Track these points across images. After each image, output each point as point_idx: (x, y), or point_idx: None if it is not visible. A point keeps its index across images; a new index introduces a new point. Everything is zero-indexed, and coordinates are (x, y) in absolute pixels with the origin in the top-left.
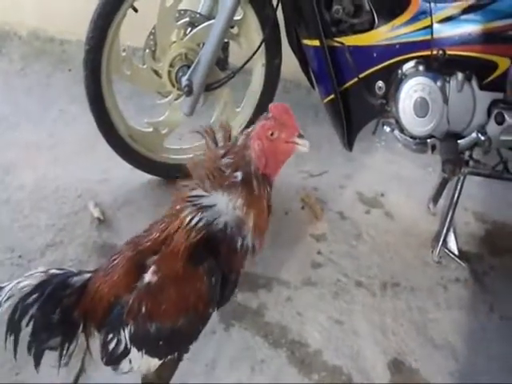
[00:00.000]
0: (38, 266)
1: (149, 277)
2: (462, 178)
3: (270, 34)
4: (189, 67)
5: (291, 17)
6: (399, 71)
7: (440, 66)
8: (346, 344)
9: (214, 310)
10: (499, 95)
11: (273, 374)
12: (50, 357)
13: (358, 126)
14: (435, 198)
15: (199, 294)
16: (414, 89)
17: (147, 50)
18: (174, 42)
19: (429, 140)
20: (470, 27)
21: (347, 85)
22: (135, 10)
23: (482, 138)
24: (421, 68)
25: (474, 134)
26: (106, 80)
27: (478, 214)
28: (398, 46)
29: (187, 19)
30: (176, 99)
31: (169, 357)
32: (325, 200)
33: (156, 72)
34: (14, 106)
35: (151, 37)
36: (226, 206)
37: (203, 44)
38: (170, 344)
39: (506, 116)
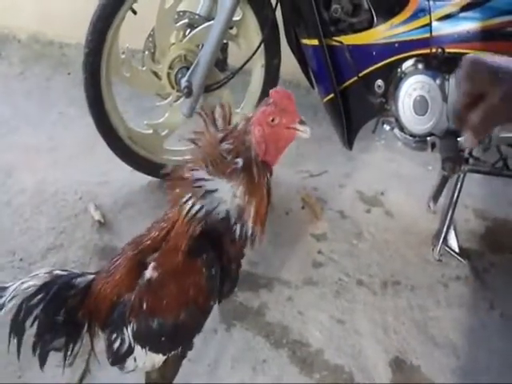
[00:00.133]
0: (40, 269)
1: (149, 273)
2: (461, 175)
3: (269, 34)
4: (188, 69)
5: (290, 17)
6: (398, 70)
7: (439, 63)
8: (348, 343)
9: (215, 303)
10: None
11: (275, 374)
12: (54, 357)
13: (358, 124)
14: (435, 196)
15: (199, 286)
16: (413, 87)
17: (146, 52)
18: (173, 43)
19: (428, 138)
20: (468, 25)
21: (347, 84)
22: (134, 12)
23: None
24: (420, 66)
25: None
26: (106, 82)
27: (479, 211)
28: (397, 45)
29: (186, 20)
30: (175, 101)
31: (172, 352)
32: (325, 199)
33: (155, 74)
34: (14, 109)
35: (150, 39)
36: (227, 193)
37: (202, 45)
38: (173, 339)
39: None
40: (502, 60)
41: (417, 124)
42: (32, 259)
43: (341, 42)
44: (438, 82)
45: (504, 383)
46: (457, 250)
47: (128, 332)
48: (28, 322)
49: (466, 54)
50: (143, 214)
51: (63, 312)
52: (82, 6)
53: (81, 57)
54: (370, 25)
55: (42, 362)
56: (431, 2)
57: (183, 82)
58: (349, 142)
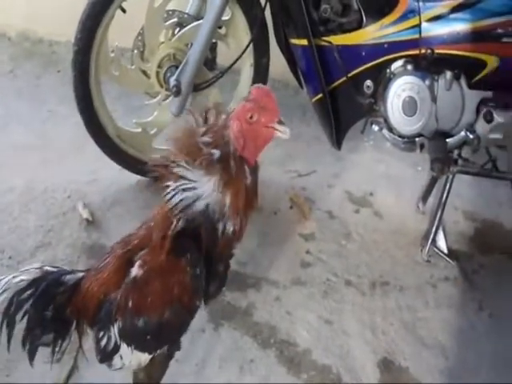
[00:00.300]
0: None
1: (135, 271)
2: (450, 176)
3: (257, 33)
4: (177, 68)
5: (279, 16)
6: (388, 70)
7: (428, 64)
8: (336, 343)
9: (200, 303)
10: (488, 94)
11: (262, 373)
12: (42, 354)
13: (347, 125)
14: (424, 197)
15: (183, 285)
16: (402, 88)
17: (135, 51)
18: (163, 42)
19: (417, 139)
20: (458, 26)
21: (335, 84)
22: (123, 11)
23: (471, 136)
24: (409, 67)
25: (462, 133)
26: (95, 81)
27: (468, 212)
28: (386, 45)
29: (175, 19)
30: (164, 100)
31: (158, 351)
32: (313, 199)
33: (144, 72)
34: (4, 108)
35: (139, 37)
36: (205, 185)
37: (191, 44)
38: (158, 338)
39: (494, 114)
40: None
41: (406, 125)
42: (21, 257)
43: (330, 42)
44: (427, 82)
45: None
46: (445, 251)
47: (114, 330)
48: (18, 316)
49: (456, 55)
50: (131, 213)
51: (52, 308)
52: (71, 4)
53: (71, 55)
54: (359, 25)
55: (31, 356)
56: (421, 3)
57: (172, 81)
58: (337, 142)
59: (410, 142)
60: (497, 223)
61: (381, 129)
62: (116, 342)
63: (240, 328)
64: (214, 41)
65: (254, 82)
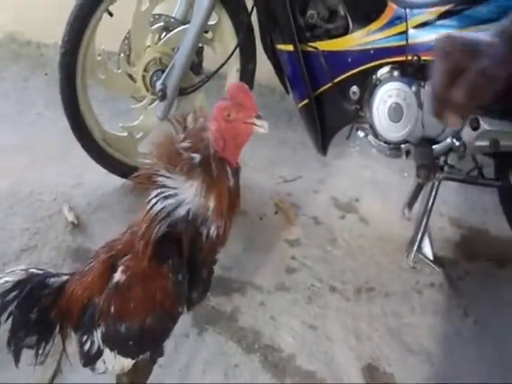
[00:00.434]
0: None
1: (118, 276)
2: (436, 183)
3: (244, 38)
4: (163, 72)
5: (266, 22)
6: (374, 76)
7: (415, 71)
8: (320, 349)
9: (183, 309)
10: None
11: (246, 378)
12: (27, 356)
13: (332, 130)
14: (410, 203)
15: (165, 291)
16: (388, 94)
17: (122, 55)
18: (149, 46)
19: (403, 145)
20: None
21: (321, 90)
22: (110, 14)
23: (457, 143)
24: (395, 73)
25: (448, 140)
26: (81, 84)
27: (454, 219)
28: (372, 51)
29: (162, 24)
30: (150, 104)
31: (141, 356)
32: (299, 205)
33: (130, 76)
34: None
35: (126, 41)
36: (187, 191)
37: (178, 48)
38: (140, 343)
39: (481, 122)
40: (476, 35)
41: (391, 131)
42: (6, 259)
43: (316, 48)
44: (413, 89)
45: None
46: (431, 257)
47: (97, 335)
48: (3, 318)
49: None
50: (116, 217)
51: (36, 311)
52: (59, 6)
53: (58, 57)
54: (345, 31)
55: (17, 358)
56: (408, 10)
57: (158, 85)
58: (323, 147)
59: (395, 149)
60: (482, 230)
61: (366, 135)
62: (99, 347)
63: (224, 333)
64: (200, 45)
65: None
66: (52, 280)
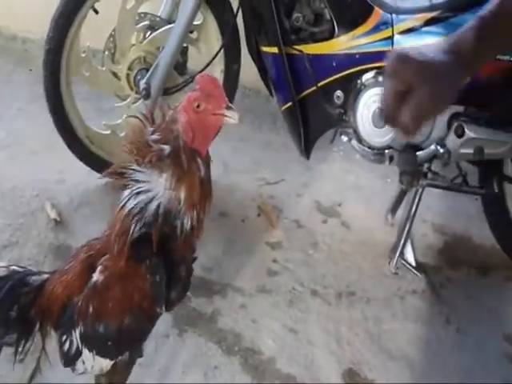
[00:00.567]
0: None
1: (96, 276)
2: (420, 189)
3: (229, 39)
4: (147, 71)
5: (251, 23)
6: (358, 81)
7: None
8: (300, 353)
9: (161, 310)
10: (459, 108)
11: (226, 380)
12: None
13: (316, 134)
14: (393, 209)
15: (143, 291)
16: (372, 99)
17: (107, 52)
18: (134, 44)
19: (387, 151)
20: (431, 39)
21: (305, 93)
22: (96, 12)
23: (442, 150)
24: (380, 79)
25: (433, 147)
26: (65, 81)
27: (437, 225)
28: (357, 56)
29: (147, 22)
30: (134, 102)
31: (119, 357)
32: (281, 208)
33: (115, 74)
34: None
35: (111, 39)
36: (158, 183)
37: (162, 48)
38: (119, 344)
39: (465, 129)
40: (427, 51)
41: (375, 136)
42: None
43: (301, 51)
44: None
45: None
46: (413, 263)
47: (76, 335)
48: None
49: None
50: (98, 214)
51: (16, 308)
52: (46, 1)
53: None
54: (331, 35)
55: None
56: (394, 16)
57: (142, 84)
58: (306, 151)
59: (379, 154)
60: (466, 237)
61: (350, 139)
62: (78, 347)
63: (204, 334)
64: (185, 45)
65: (224, 88)
66: (33, 278)
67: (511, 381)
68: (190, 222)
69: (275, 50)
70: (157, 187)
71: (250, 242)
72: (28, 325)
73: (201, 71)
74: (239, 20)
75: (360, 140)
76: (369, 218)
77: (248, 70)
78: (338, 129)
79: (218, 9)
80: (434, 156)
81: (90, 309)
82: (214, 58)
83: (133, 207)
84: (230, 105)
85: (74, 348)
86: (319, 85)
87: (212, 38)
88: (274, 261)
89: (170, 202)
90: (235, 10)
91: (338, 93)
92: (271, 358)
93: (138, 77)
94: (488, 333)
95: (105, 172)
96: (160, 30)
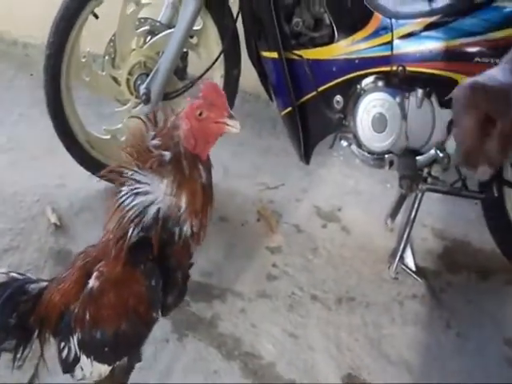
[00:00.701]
0: None
1: (92, 282)
2: (420, 194)
3: (229, 44)
4: (147, 75)
5: (251, 28)
6: (358, 86)
7: (400, 81)
8: (300, 357)
9: (158, 314)
10: None
11: None
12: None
13: (315, 139)
14: (393, 214)
15: (139, 297)
16: (372, 104)
17: (107, 57)
18: (134, 49)
19: (386, 156)
20: (430, 44)
21: (305, 98)
22: (96, 17)
23: (441, 154)
24: (380, 83)
25: (432, 151)
26: (66, 86)
27: (437, 230)
28: (357, 61)
29: (147, 27)
30: (134, 107)
31: (118, 363)
32: (281, 212)
33: (115, 79)
34: None
35: (111, 44)
36: (158, 188)
37: (162, 53)
38: (116, 349)
39: None
40: (495, 75)
41: (375, 141)
42: None
43: (301, 56)
44: (397, 99)
45: None
46: (413, 268)
47: (74, 341)
48: None
49: (427, 73)
50: (99, 219)
51: (15, 316)
52: (47, 7)
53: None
54: (330, 40)
55: None
56: (393, 20)
57: (142, 89)
58: (306, 156)
59: (379, 159)
60: (465, 241)
61: (350, 144)
62: (76, 354)
63: (204, 339)
64: (185, 50)
65: (225, 92)
66: (31, 286)
67: None
68: (190, 229)
69: (275, 54)
70: (157, 191)
71: (249, 246)
72: (27, 332)
73: (201, 76)
74: (239, 25)
75: (360, 145)
76: (368, 222)
77: (248, 74)
78: (337, 134)
79: (217, 14)
80: (434, 160)
81: (87, 315)
82: (213, 63)
83: (131, 208)
84: (232, 113)
85: (73, 354)
86: (319, 90)
87: (212, 43)
88: (274, 265)
89: (169, 209)
90: (235, 15)
91: (338, 98)
92: (271, 362)
93: (138, 82)
94: (488, 337)
95: (103, 170)
96: (160, 35)
